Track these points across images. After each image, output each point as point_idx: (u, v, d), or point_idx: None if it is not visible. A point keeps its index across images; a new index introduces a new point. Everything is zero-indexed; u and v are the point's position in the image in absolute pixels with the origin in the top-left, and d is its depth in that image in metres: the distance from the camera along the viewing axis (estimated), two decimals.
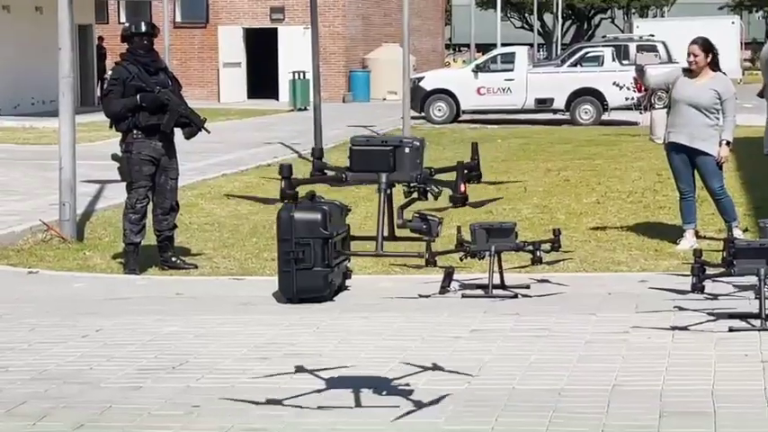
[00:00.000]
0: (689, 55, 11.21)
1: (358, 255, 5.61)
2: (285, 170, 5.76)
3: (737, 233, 11.18)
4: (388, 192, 5.82)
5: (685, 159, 11.28)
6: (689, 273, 8.32)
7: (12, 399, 6.41)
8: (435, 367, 6.83)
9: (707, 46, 11.19)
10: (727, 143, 11.20)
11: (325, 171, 6.06)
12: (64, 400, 6.38)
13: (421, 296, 8.77)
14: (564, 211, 13.86)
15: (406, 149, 5.99)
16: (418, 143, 6.05)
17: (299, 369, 6.73)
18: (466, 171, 7.23)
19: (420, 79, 31.16)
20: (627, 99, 29.58)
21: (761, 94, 12.08)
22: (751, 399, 6.21)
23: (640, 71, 11.50)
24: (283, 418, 5.98)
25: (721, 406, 6.07)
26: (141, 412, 6.14)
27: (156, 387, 6.63)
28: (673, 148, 11.34)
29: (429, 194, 7.33)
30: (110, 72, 11.31)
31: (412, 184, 6.34)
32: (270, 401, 6.29)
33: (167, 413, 6.13)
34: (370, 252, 5.30)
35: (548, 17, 69.04)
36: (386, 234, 5.76)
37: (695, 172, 11.38)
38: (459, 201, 5.88)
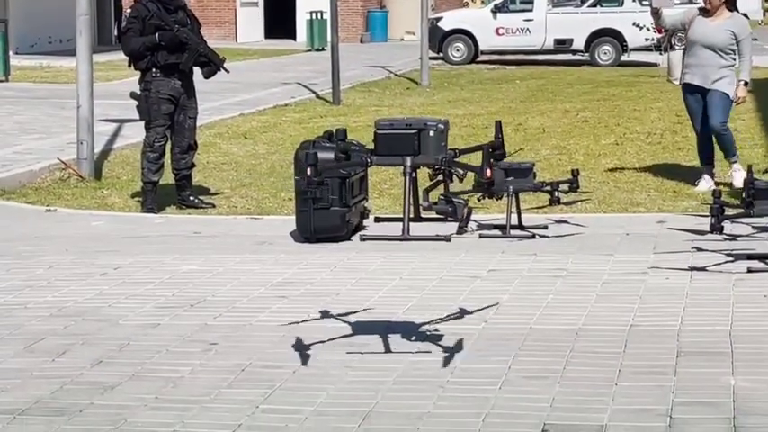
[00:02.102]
0: None
1: (384, 239, 5.62)
2: (310, 158, 5.75)
3: (736, 167, 11.12)
4: (413, 175, 5.82)
5: (700, 100, 11.19)
6: (707, 214, 8.31)
7: (31, 335, 6.46)
8: (462, 312, 6.85)
9: None
10: (745, 83, 11.12)
11: (349, 153, 6.05)
12: (82, 336, 6.42)
13: (438, 236, 8.76)
14: (582, 152, 13.82)
15: (431, 132, 5.99)
16: (443, 126, 6.03)
17: (324, 313, 6.74)
18: (490, 150, 7.22)
19: (438, 19, 30.98)
20: (647, 40, 29.37)
21: None
22: None
23: (656, 13, 11.40)
24: (299, 356, 6.00)
25: (739, 346, 6.08)
26: (159, 349, 6.18)
27: (174, 324, 6.67)
28: (688, 90, 11.28)
29: (454, 177, 7.28)
30: (128, 10, 11.25)
31: (437, 167, 6.36)
32: (287, 339, 6.32)
33: (185, 350, 6.17)
34: (396, 236, 5.32)
35: None
36: (411, 215, 5.77)
37: None
38: (485, 186, 5.88)
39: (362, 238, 5.59)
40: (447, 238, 5.69)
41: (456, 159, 6.11)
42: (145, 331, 6.54)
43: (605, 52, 29.68)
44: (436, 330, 6.42)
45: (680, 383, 5.50)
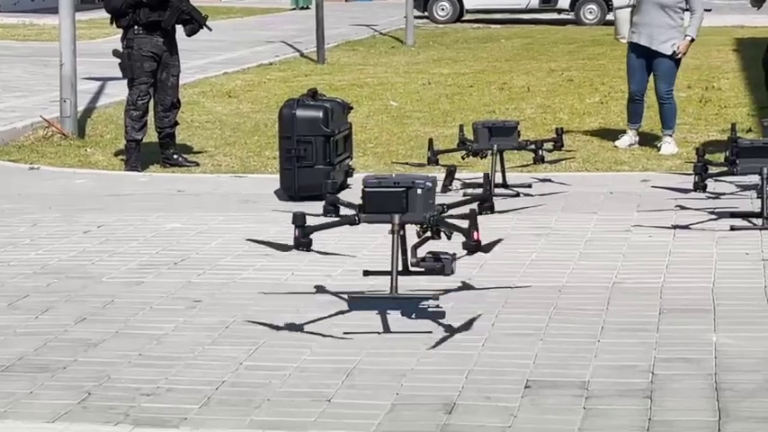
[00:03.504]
0: None
1: (375, 296, 5.73)
2: (298, 219, 5.81)
3: (668, 141, 11.04)
4: (401, 232, 5.92)
5: (642, 62, 11.06)
6: (691, 172, 8.32)
7: (14, 292, 6.45)
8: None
9: None
10: (692, 40, 11.01)
11: (338, 205, 6.12)
12: (66, 294, 6.41)
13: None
14: (567, 111, 13.81)
15: (419, 191, 6.06)
16: (430, 184, 6.11)
17: (320, 289, 6.73)
18: (479, 202, 7.29)
19: None
20: None
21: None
22: (751, 296, 6.24)
23: None
24: (283, 314, 6.01)
25: (721, 303, 6.10)
26: (143, 306, 6.18)
27: (158, 282, 6.67)
28: (633, 49, 11.14)
29: (442, 234, 7.36)
30: None
31: (425, 225, 6.45)
32: (271, 297, 6.32)
33: (169, 307, 6.17)
34: (385, 294, 5.41)
35: None
36: (400, 269, 5.89)
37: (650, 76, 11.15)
38: (473, 248, 5.96)
39: (351, 298, 5.80)
40: (435, 297, 5.91)
41: (444, 215, 6.28)
42: (128, 288, 6.54)
43: (591, 11, 29.62)
44: (420, 289, 6.43)
45: (662, 340, 5.52)
